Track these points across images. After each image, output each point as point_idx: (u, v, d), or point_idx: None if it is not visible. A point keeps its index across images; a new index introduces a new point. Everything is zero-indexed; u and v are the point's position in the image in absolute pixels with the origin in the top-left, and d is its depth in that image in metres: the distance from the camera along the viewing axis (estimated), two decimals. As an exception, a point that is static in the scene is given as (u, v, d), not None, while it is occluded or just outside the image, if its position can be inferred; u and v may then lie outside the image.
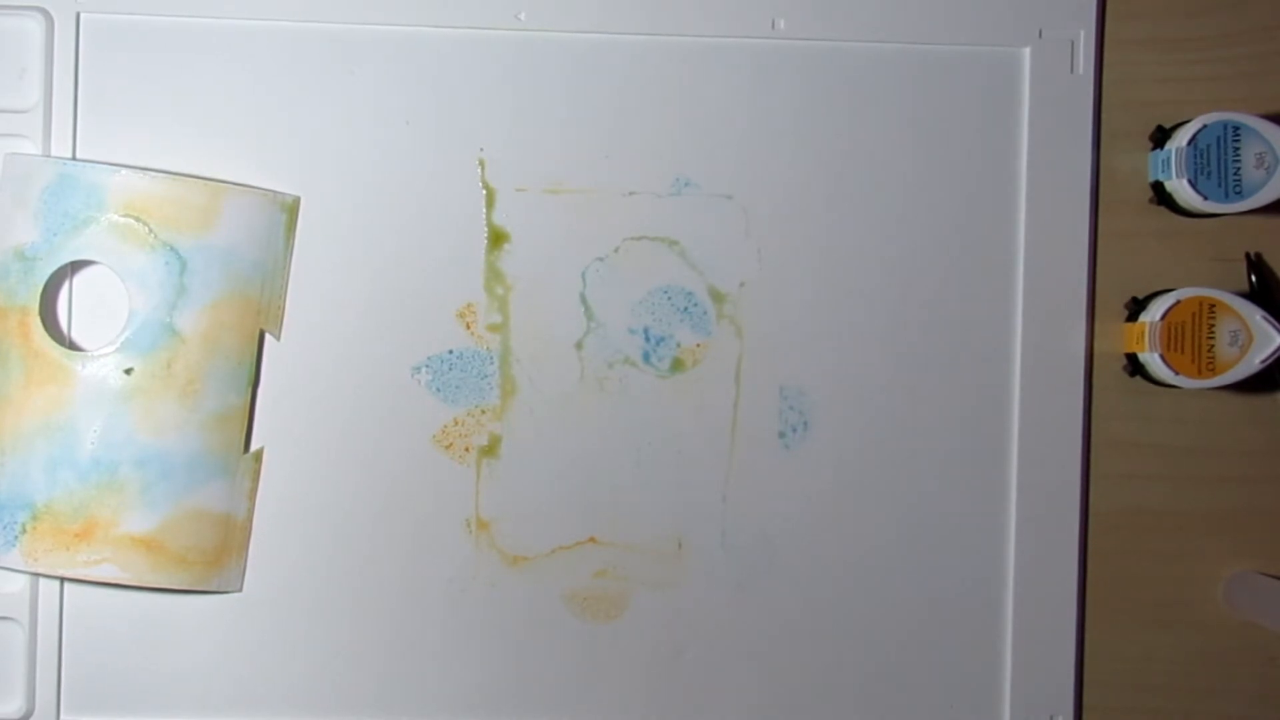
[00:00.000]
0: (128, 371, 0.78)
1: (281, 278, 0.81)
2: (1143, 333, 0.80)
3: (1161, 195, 0.82)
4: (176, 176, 0.79)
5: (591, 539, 0.82)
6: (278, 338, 0.81)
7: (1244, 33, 0.83)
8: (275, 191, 0.80)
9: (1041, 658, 0.83)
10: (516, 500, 0.82)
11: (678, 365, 0.82)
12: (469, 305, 0.82)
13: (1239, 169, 0.79)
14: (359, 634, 0.82)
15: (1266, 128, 0.79)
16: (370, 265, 0.81)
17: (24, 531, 0.77)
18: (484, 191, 0.82)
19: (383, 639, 0.82)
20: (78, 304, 0.81)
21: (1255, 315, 0.79)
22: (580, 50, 0.82)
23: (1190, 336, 0.79)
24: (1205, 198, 0.79)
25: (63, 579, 0.80)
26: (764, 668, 0.83)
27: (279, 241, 0.81)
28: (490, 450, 0.82)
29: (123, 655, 0.81)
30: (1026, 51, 0.83)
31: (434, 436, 0.82)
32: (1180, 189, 0.80)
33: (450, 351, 0.82)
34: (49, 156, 0.80)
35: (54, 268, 0.78)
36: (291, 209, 0.81)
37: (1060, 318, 0.82)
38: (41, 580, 0.81)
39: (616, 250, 0.82)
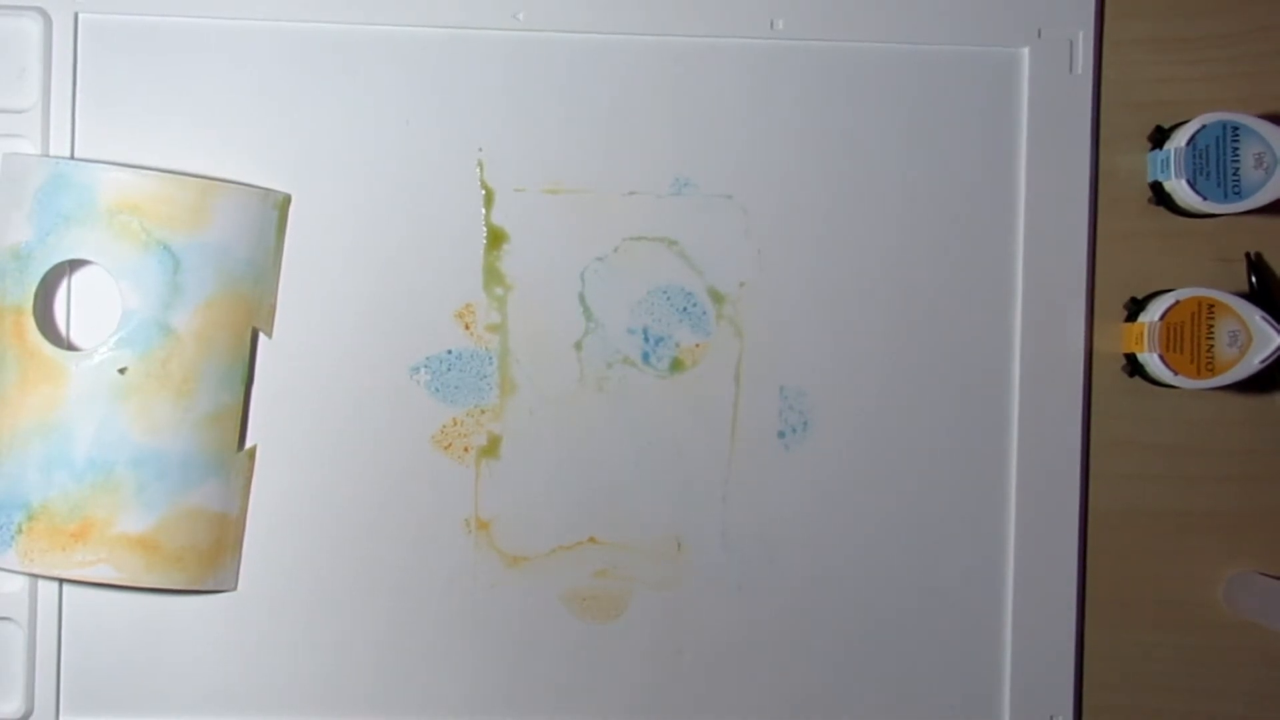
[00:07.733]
0: (122, 371, 0.77)
1: (273, 275, 0.81)
2: (1142, 333, 0.80)
3: (1161, 195, 0.82)
4: (168, 174, 0.79)
5: (591, 539, 0.82)
6: (269, 335, 0.81)
7: (1244, 33, 0.83)
8: (266, 189, 0.80)
9: (1041, 658, 0.83)
10: (516, 500, 0.82)
11: (677, 365, 0.82)
12: (468, 305, 0.82)
13: (1238, 169, 0.79)
14: (357, 634, 0.82)
15: (1266, 128, 0.79)
16: (369, 265, 0.81)
17: (20, 532, 0.77)
18: (483, 191, 0.82)
19: (381, 639, 0.82)
20: (77, 305, 0.80)
21: (1254, 315, 0.79)
22: (579, 50, 0.82)
23: (1190, 337, 0.79)
24: (1204, 198, 0.79)
25: (59, 579, 0.80)
26: (764, 668, 0.82)
27: (270, 239, 0.80)
28: (489, 450, 0.82)
29: (121, 655, 0.81)
30: (1025, 51, 0.83)
31: (433, 436, 0.82)
32: (1179, 189, 0.80)
33: (449, 351, 0.82)
34: (43, 156, 0.80)
35: (47, 267, 0.77)
36: (282, 206, 0.81)
37: (1060, 318, 0.82)
38: (40, 580, 0.80)
39: (616, 250, 0.82)
